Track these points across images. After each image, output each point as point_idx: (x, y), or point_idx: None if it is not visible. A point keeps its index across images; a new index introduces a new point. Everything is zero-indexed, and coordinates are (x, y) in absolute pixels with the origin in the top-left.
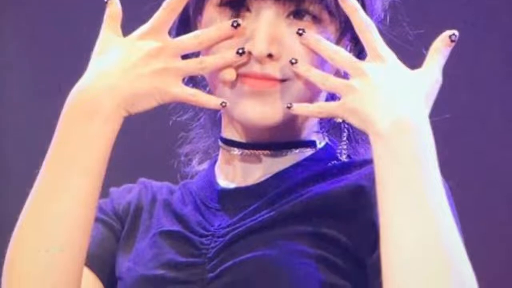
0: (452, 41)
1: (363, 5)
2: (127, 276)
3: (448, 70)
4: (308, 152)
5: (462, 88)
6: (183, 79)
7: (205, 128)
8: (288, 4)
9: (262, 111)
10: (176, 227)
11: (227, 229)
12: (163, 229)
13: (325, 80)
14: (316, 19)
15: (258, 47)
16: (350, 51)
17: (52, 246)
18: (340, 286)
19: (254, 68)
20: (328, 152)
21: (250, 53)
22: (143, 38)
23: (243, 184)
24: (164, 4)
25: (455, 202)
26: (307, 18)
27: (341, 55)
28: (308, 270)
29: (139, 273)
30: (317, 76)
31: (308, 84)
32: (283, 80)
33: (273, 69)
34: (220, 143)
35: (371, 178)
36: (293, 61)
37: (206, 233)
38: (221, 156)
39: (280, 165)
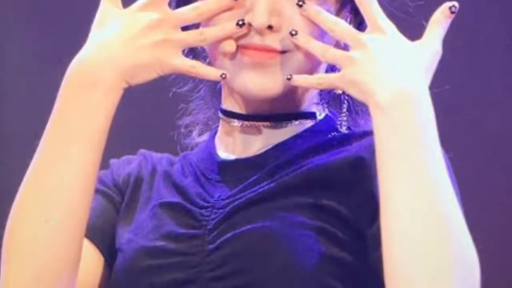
0: (452, 12)
1: None
2: (127, 247)
3: (448, 42)
4: (308, 123)
5: (462, 60)
6: (183, 51)
7: (205, 100)
8: None
9: (262, 82)
10: (176, 198)
11: (227, 201)
12: (163, 201)
13: (325, 52)
14: None
15: (258, 18)
16: (350, 23)
17: (52, 217)
18: (340, 258)
19: (254, 39)
20: (328, 123)
21: (250, 24)
22: (143, 10)
23: (243, 155)
24: None
25: (455, 173)
26: None
27: (341, 27)
28: (308, 241)
29: (139, 245)
30: (317, 47)
31: (308, 55)
32: (283, 52)
33: (273, 41)
34: (220, 114)
35: (371, 149)
36: (293, 32)
37: (206, 204)
38: (221, 127)
39: (280, 137)
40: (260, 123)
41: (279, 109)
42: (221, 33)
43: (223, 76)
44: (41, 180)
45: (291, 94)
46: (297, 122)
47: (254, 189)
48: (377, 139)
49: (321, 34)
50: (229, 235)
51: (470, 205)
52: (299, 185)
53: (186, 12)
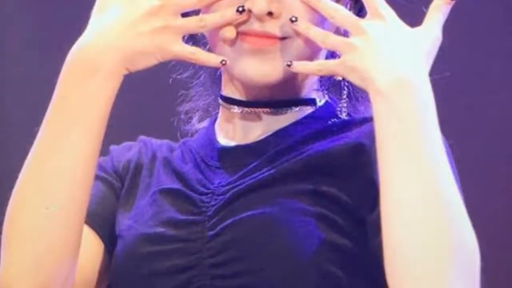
0: None
1: None
2: (127, 234)
3: (448, 28)
4: (308, 110)
5: (462, 46)
6: (183, 37)
7: (205, 86)
8: None
9: (262, 69)
10: (176, 185)
11: (227, 187)
12: (163, 187)
13: (325, 38)
14: None
15: (258, 5)
16: (350, 9)
17: (52, 204)
18: (340, 244)
19: (254, 26)
20: (328, 110)
21: (250, 11)
22: None
23: (243, 142)
24: None
25: (455, 160)
26: None
27: (341, 13)
28: (308, 228)
29: (139, 231)
30: (317, 34)
31: (308, 42)
32: (283, 38)
33: (273, 27)
34: (220, 101)
35: (371, 136)
36: (293, 19)
37: (206, 191)
38: (221, 114)
39: (280, 123)
40: (260, 110)
41: (279, 96)
42: (221, 20)
43: (223, 62)
44: (41, 167)
45: (291, 80)
46: (297, 109)
47: (254, 175)
48: (377, 126)
49: (321, 21)
50: (229, 221)
51: (470, 191)
52: (299, 171)
53: None
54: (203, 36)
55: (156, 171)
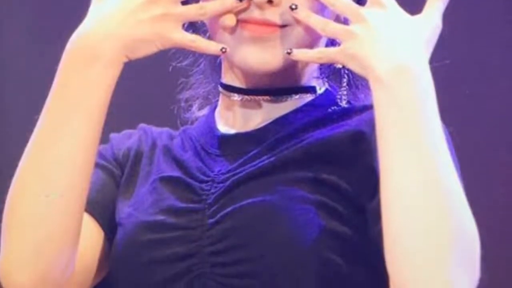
0: None
1: None
2: (127, 222)
3: (448, 16)
4: (308, 97)
5: (462, 34)
6: (183, 25)
7: (205, 74)
8: None
9: (262, 57)
10: (176, 173)
11: (227, 175)
12: (163, 175)
13: (325, 26)
14: None
15: None
16: None
17: (52, 192)
18: (340, 232)
19: (254, 14)
20: (328, 97)
21: None
22: None
23: (243, 129)
24: None
25: (455, 148)
26: None
27: (341, 1)
28: (308, 216)
29: (139, 219)
30: (317, 21)
31: (308, 30)
32: (283, 26)
33: (273, 15)
34: (220, 88)
35: (371, 123)
36: (293, 6)
37: (206, 179)
38: (221, 102)
39: (280, 111)
40: (260, 97)
41: (279, 83)
42: (221, 7)
43: (223, 50)
44: (41, 155)
45: (291, 68)
46: (297, 96)
47: (254, 163)
48: (377, 113)
49: (321, 9)
50: (229, 209)
51: (470, 179)
52: (299, 159)
53: None
54: (203, 23)
55: (156, 159)
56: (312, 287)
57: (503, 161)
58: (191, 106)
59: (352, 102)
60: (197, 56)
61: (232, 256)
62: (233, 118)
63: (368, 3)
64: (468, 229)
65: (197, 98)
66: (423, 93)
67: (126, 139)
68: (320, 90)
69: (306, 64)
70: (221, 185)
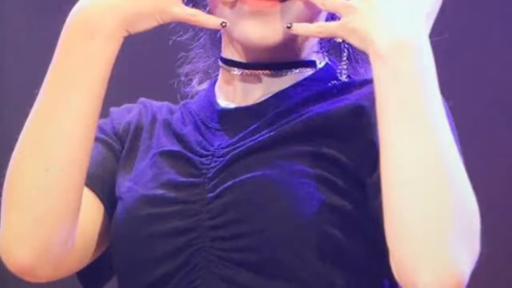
0: None
1: None
2: (127, 196)
3: None
4: (308, 72)
5: (462, 8)
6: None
7: (205, 48)
8: None
9: (262, 31)
10: (176, 147)
11: (227, 149)
12: (163, 149)
13: (325, 0)
14: None
15: None
16: None
17: (52, 166)
18: (339, 206)
19: None
20: (328, 72)
21: None
22: None
23: (243, 104)
24: None
25: (455, 122)
26: None
27: None
28: (308, 189)
29: (139, 193)
30: None
31: (308, 4)
32: (283, 0)
33: None
34: (220, 63)
35: (371, 98)
36: None
37: (206, 153)
38: (221, 76)
39: (280, 85)
40: (260, 72)
41: (279, 58)
42: None
43: (223, 24)
44: (41, 129)
45: (291, 42)
46: (297, 71)
47: (254, 137)
48: (377, 87)
49: None
50: (229, 183)
51: (470, 153)
52: (299, 133)
53: None
54: None
55: (156, 133)
56: (311, 261)
57: (503, 135)
58: (191, 80)
59: (352, 76)
60: (197, 30)
61: (232, 230)
62: (233, 92)
63: None
64: (468, 203)
65: (197, 72)
66: (423, 67)
67: (126, 113)
68: (320, 64)
69: (306, 38)
70: (221, 159)
